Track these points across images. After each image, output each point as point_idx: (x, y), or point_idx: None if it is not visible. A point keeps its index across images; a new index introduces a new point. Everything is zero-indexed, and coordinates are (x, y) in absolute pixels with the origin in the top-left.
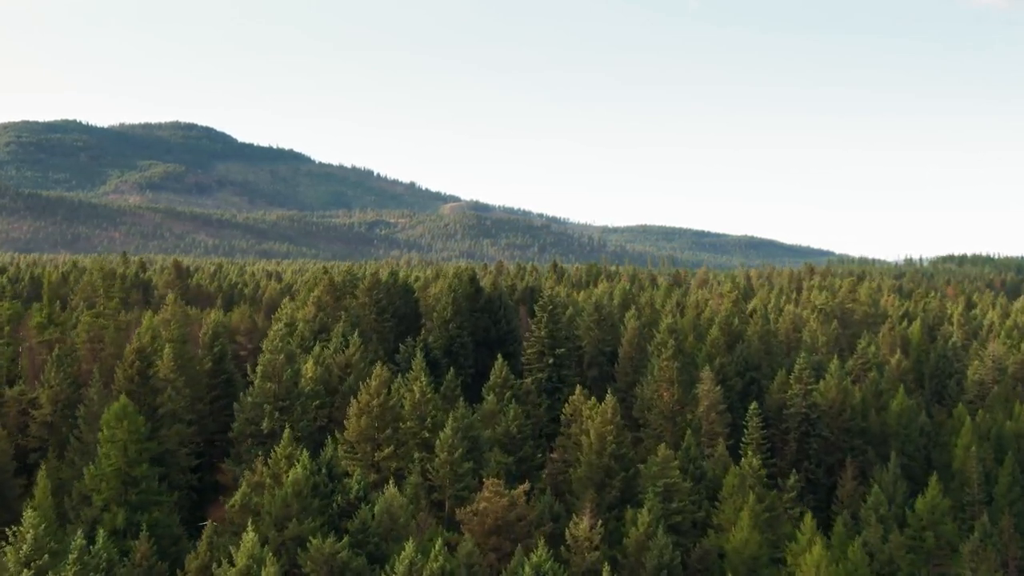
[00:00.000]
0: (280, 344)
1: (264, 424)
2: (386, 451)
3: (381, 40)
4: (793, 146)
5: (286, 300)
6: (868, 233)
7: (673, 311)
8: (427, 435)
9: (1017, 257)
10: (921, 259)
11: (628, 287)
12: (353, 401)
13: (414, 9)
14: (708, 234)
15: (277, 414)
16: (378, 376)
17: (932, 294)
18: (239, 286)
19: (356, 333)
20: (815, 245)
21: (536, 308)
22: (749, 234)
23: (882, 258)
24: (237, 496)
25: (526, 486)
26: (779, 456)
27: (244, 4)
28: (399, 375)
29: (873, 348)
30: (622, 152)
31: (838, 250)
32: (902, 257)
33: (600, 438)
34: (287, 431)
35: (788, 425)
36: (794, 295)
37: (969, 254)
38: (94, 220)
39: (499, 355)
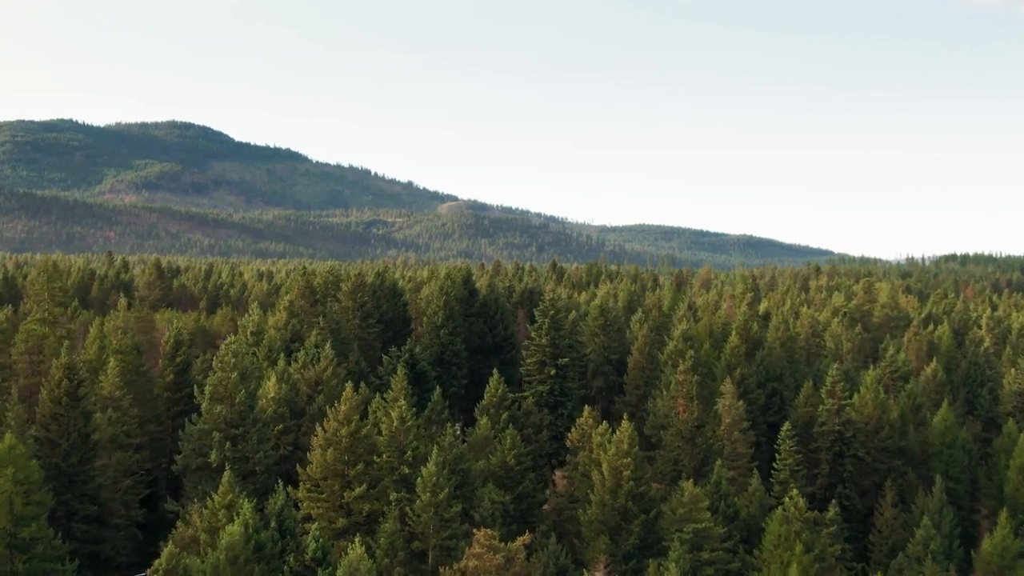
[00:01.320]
0: (233, 359)
1: (212, 456)
2: (357, 490)
3: (378, 40)
4: (790, 146)
5: (254, 305)
6: (866, 232)
7: (686, 315)
8: (407, 470)
9: (1020, 256)
10: (924, 258)
11: (633, 288)
12: (318, 429)
13: (411, 9)
14: (707, 233)
15: (228, 444)
16: (348, 399)
17: (950, 295)
18: (224, 287)
19: (328, 344)
20: (814, 244)
21: (536, 313)
22: (748, 233)
23: (882, 257)
24: (162, 558)
25: (526, 537)
26: (809, 480)
27: (241, 4)
28: (379, 393)
29: (903, 355)
30: (620, 152)
31: (837, 249)
32: (902, 256)
33: (615, 473)
34: (227, 473)
35: (819, 444)
36: (801, 295)
37: (971, 253)
38: (89, 220)
39: (495, 368)
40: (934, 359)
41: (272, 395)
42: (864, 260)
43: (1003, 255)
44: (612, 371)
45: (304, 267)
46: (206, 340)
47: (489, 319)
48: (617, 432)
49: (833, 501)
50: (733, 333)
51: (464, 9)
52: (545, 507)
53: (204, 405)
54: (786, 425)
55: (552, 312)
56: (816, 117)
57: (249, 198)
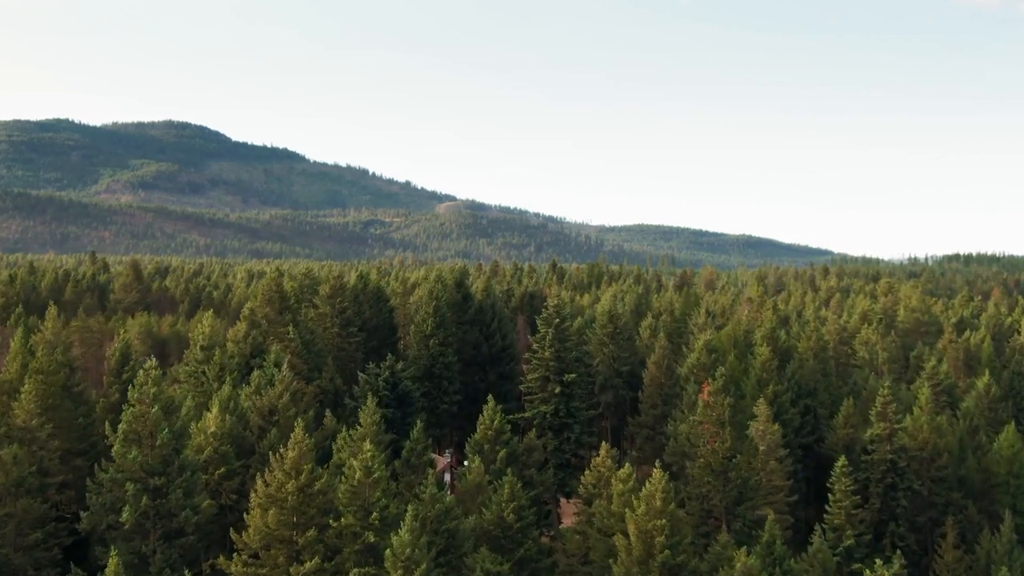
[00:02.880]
0: (153, 388)
1: (124, 514)
2: (308, 564)
3: (376, 39)
4: (790, 146)
5: (208, 313)
6: (864, 232)
7: (707, 323)
8: (373, 538)
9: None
10: (928, 258)
11: (639, 291)
12: (258, 481)
13: (410, 9)
14: (706, 233)
15: (146, 498)
16: (298, 442)
17: (977, 298)
18: (207, 289)
19: (286, 363)
20: (812, 244)
21: (539, 322)
22: (747, 233)
23: (881, 257)
24: None
25: None
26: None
27: (239, 3)
28: (346, 426)
29: (945, 367)
30: (619, 151)
31: (836, 249)
32: (901, 256)
33: (644, 539)
34: (113, 557)
35: (869, 475)
36: (815, 298)
37: (974, 253)
38: (84, 220)
39: (491, 389)
40: (987, 372)
41: (213, 430)
42: (866, 260)
43: (1006, 255)
44: (623, 384)
45: (278, 268)
46: (181, 348)
47: (485, 327)
48: (648, 484)
49: (898, 553)
50: (762, 344)
51: (463, 9)
52: (549, 546)
53: (116, 448)
54: (841, 460)
55: (556, 321)
56: (815, 117)
57: (246, 198)
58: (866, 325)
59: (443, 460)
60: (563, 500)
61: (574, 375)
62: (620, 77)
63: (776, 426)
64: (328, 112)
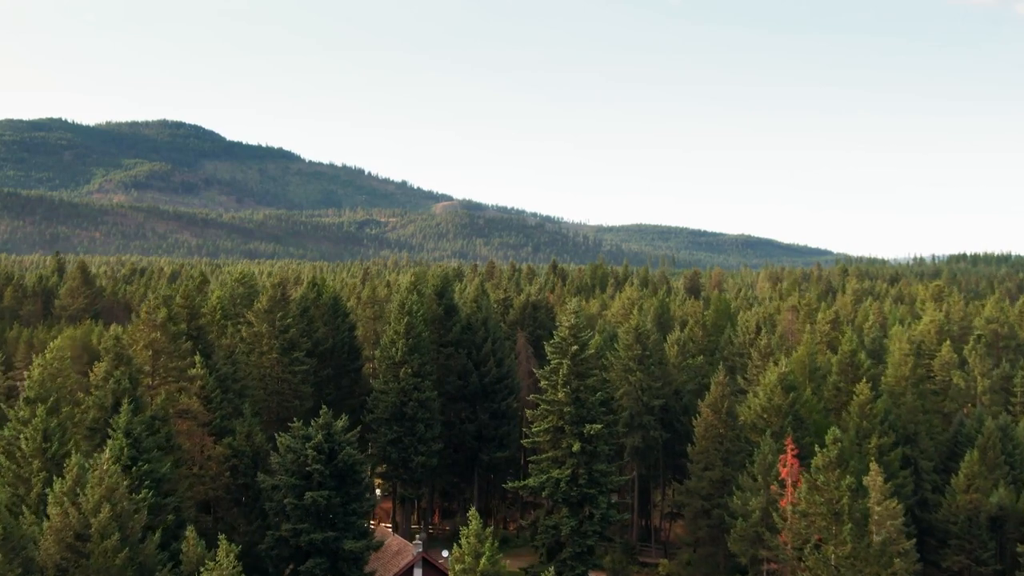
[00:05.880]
0: None
1: None
2: None
3: (372, 39)
4: (788, 145)
5: (55, 342)
6: (863, 232)
7: (773, 345)
8: None
9: None
10: (935, 258)
11: (660, 298)
12: None
13: (406, 8)
14: (704, 233)
15: None
16: None
17: None
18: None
19: (107, 452)
20: (812, 244)
21: (549, 349)
22: (746, 233)
23: (881, 257)
24: None
25: None
26: None
27: (234, 2)
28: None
29: None
30: (616, 151)
31: (835, 249)
32: (907, 256)
33: None
34: None
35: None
36: (829, 297)
37: (981, 253)
38: (75, 220)
39: (473, 508)
40: None
41: None
42: (871, 260)
43: (1014, 255)
44: (654, 423)
45: (201, 272)
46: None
47: (475, 349)
48: None
49: None
50: (858, 377)
51: (460, 9)
52: None
53: None
54: None
55: (574, 348)
56: (813, 117)
57: (240, 198)
58: (947, 342)
59: (412, 549)
60: None
61: (599, 426)
62: (618, 77)
63: (896, 503)
64: (323, 111)
